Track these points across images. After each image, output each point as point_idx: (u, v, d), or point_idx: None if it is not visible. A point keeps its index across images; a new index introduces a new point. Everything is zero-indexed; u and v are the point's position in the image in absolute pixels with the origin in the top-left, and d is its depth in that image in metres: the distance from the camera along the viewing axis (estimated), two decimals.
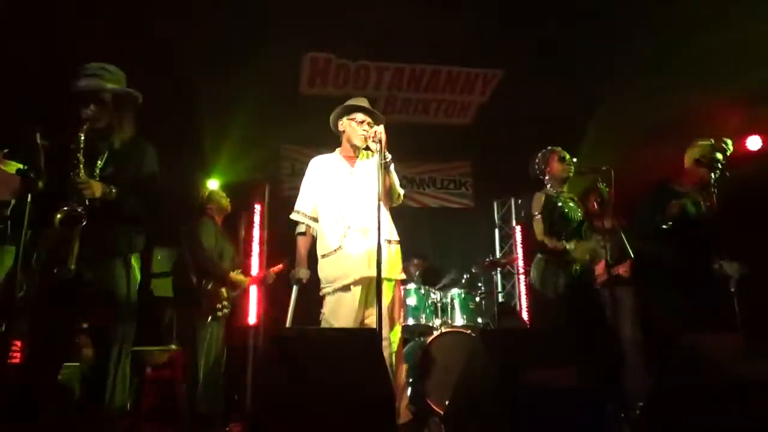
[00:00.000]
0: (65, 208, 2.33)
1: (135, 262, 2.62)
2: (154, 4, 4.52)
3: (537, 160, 3.78)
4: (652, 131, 3.81)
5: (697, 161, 3.53)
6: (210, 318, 4.11)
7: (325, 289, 3.11)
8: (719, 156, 3.50)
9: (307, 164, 3.38)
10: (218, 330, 4.19)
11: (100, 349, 2.47)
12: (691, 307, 3.28)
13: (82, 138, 2.42)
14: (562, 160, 3.65)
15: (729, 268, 3.43)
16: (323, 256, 3.14)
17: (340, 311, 3.02)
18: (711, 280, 3.39)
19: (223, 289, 4.21)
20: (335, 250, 3.08)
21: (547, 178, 3.71)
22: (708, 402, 2.29)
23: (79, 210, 2.34)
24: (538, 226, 3.58)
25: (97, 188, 2.41)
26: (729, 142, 3.56)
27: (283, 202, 5.81)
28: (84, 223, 2.34)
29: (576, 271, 3.44)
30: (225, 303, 4.21)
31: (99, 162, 2.51)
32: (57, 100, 2.64)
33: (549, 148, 3.77)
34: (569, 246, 3.42)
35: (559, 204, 3.58)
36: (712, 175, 3.48)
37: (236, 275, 4.32)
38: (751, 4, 4.52)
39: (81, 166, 2.40)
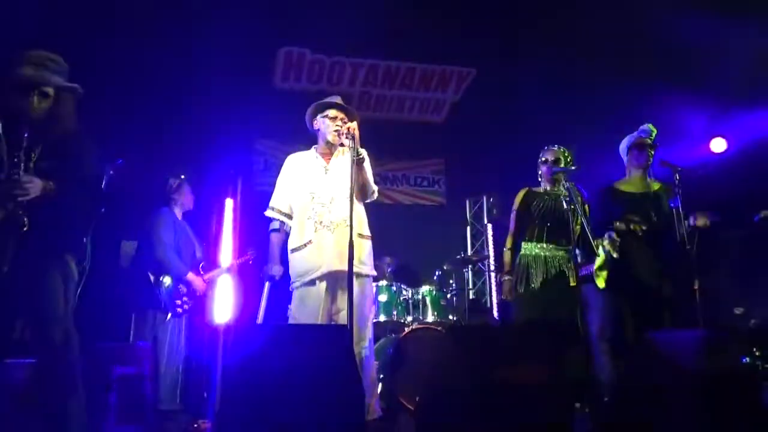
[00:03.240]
0: (4, 210, 2.23)
1: (71, 260, 2.50)
2: None
3: (539, 158, 3.80)
4: (623, 132, 3.89)
5: (630, 149, 3.70)
6: (169, 315, 4.00)
7: (294, 283, 3.12)
8: (647, 140, 3.66)
9: (280, 159, 3.37)
10: (177, 327, 4.08)
11: (39, 349, 2.40)
12: (656, 304, 3.36)
13: (26, 135, 2.31)
14: (544, 163, 3.67)
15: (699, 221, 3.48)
16: (293, 250, 3.15)
17: (305, 306, 3.03)
18: (674, 277, 3.47)
19: (181, 286, 4.10)
20: (305, 244, 3.09)
21: (541, 177, 3.75)
22: (671, 396, 2.35)
23: (20, 213, 2.24)
24: (513, 223, 3.65)
25: (37, 185, 2.31)
26: (650, 126, 3.70)
27: (255, 196, 5.76)
28: (25, 228, 2.25)
29: (551, 270, 3.47)
30: (185, 299, 4.09)
31: (33, 155, 2.39)
32: None
33: (546, 147, 3.76)
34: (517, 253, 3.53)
35: (542, 201, 3.61)
36: (648, 157, 3.64)
37: (193, 276, 4.17)
38: (718, 10, 4.64)
39: (21, 163, 2.29)
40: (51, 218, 2.39)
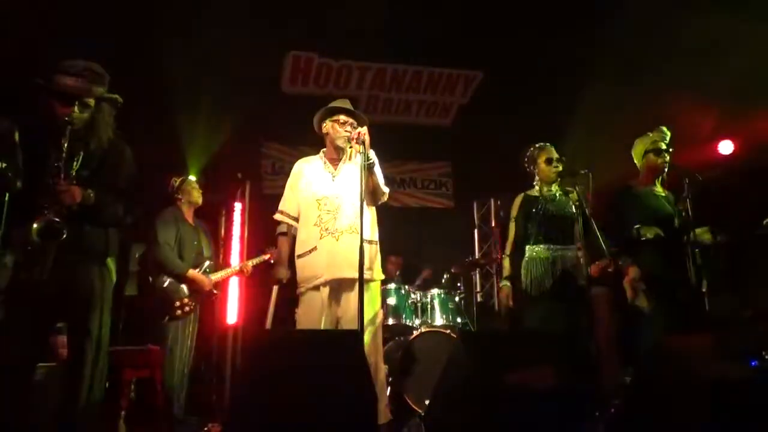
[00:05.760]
0: (44, 219, 2.27)
1: (111, 264, 2.60)
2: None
3: (526, 158, 3.73)
4: (630, 135, 3.87)
5: (646, 153, 3.62)
6: (167, 318, 3.90)
7: (300, 289, 3.15)
8: (662, 144, 3.59)
9: (287, 162, 3.40)
10: (183, 329, 3.98)
11: (76, 351, 2.45)
12: (665, 308, 3.35)
13: (65, 144, 2.37)
14: (548, 162, 3.59)
15: (702, 237, 3.44)
16: (299, 256, 3.17)
17: (309, 312, 3.05)
18: (685, 281, 3.45)
19: (183, 286, 3.99)
20: (310, 251, 3.10)
21: (536, 178, 3.68)
22: (680, 401, 2.35)
23: (59, 222, 2.29)
24: (512, 231, 3.61)
25: (77, 193, 2.37)
26: (665, 129, 3.64)
27: (263, 200, 5.79)
28: (63, 236, 2.29)
29: (560, 271, 3.45)
30: (186, 301, 3.97)
31: (74, 164, 2.45)
32: (32, 95, 2.56)
33: (538, 145, 3.68)
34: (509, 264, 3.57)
35: (540, 205, 3.57)
36: (664, 162, 3.57)
37: (194, 273, 4.04)
38: (722, 9, 4.63)
39: (62, 172, 2.35)
40: (91, 225, 2.46)
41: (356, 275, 2.72)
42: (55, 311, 2.47)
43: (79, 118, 2.47)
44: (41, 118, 2.47)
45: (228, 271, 4.43)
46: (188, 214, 4.29)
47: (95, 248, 2.52)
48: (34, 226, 2.27)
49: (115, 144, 2.61)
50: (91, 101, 2.50)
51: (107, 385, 3.36)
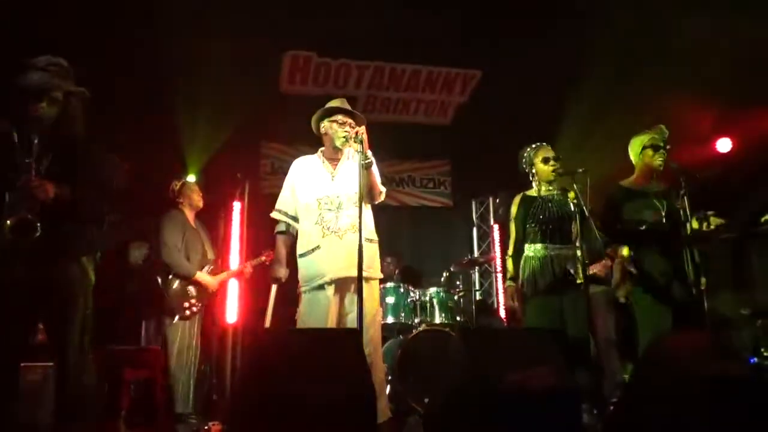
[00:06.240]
0: (17, 216, 2.25)
1: (88, 264, 2.56)
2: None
3: (523, 159, 3.73)
4: (628, 133, 3.87)
5: (644, 149, 3.59)
6: (177, 318, 3.98)
7: (302, 288, 3.15)
8: (660, 142, 3.58)
9: (286, 162, 3.40)
10: (189, 330, 4.05)
11: (59, 355, 2.43)
12: (664, 306, 3.36)
13: (36, 140, 2.35)
14: (546, 161, 3.59)
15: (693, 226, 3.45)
16: (301, 255, 3.17)
17: (315, 311, 3.06)
18: (683, 279, 3.46)
19: (190, 288, 4.08)
20: (313, 250, 3.11)
21: (534, 178, 3.68)
22: (678, 399, 2.36)
23: (32, 218, 2.27)
24: (512, 232, 3.64)
25: (50, 189, 2.34)
26: (663, 127, 3.63)
27: (262, 199, 5.79)
28: (37, 233, 2.27)
29: (558, 270, 3.46)
30: (193, 302, 4.06)
31: (45, 160, 2.42)
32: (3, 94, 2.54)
33: (534, 145, 3.69)
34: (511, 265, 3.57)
35: (538, 204, 3.58)
36: (660, 159, 3.55)
37: (202, 276, 4.14)
38: (723, 10, 4.64)
39: (33, 169, 2.33)
40: (66, 222, 2.43)
41: (361, 274, 2.72)
42: (33, 310, 2.44)
43: (47, 114, 2.44)
44: (12, 115, 2.44)
45: (228, 273, 4.50)
46: (190, 217, 4.35)
47: (73, 245, 2.48)
48: (8, 222, 2.24)
49: (86, 138, 2.57)
50: (59, 96, 2.47)
51: (107, 386, 3.40)
